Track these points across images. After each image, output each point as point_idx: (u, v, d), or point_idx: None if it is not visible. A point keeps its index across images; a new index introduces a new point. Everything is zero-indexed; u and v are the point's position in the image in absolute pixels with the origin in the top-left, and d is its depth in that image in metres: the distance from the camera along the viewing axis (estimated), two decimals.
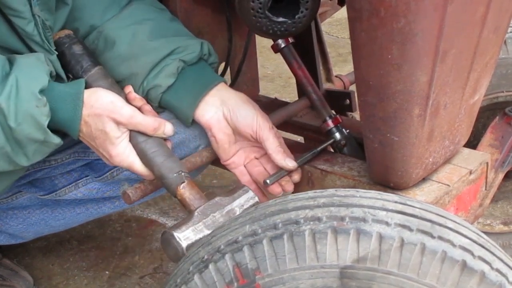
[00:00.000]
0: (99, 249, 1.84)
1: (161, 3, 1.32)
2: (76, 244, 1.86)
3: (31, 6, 1.04)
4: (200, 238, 0.97)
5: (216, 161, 1.25)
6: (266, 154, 1.20)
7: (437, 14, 0.86)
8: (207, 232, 0.98)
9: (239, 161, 1.22)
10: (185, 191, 1.06)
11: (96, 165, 1.30)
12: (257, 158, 1.22)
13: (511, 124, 1.35)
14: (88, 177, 1.29)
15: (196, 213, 1.01)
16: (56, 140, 1.05)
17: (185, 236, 0.97)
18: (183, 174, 1.08)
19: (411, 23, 0.85)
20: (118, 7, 1.23)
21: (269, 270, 0.77)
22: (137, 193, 1.12)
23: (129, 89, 1.15)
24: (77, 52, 1.15)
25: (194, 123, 1.21)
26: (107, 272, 1.74)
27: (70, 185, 1.29)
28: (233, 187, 1.10)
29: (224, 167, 1.26)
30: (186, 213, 1.07)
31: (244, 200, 1.05)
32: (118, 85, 1.16)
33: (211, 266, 0.81)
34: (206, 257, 0.83)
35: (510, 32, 1.46)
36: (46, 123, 1.01)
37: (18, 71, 1.00)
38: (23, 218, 1.36)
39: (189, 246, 0.97)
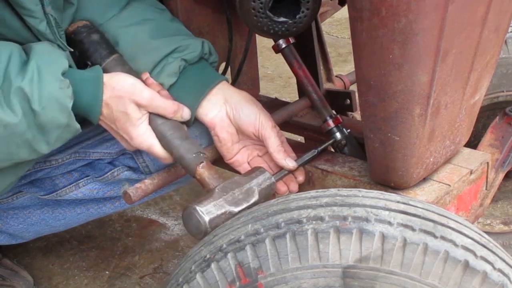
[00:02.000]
0: (99, 249, 1.84)
1: (162, 3, 1.32)
2: (76, 244, 1.86)
3: (43, 5, 1.05)
4: (222, 213, 1.00)
5: (217, 161, 1.25)
6: (268, 152, 1.20)
7: (438, 13, 0.86)
8: (228, 207, 1.01)
9: (243, 159, 1.22)
10: (204, 170, 1.09)
11: (97, 165, 1.30)
12: (260, 156, 1.23)
13: (511, 124, 1.35)
14: (88, 177, 1.29)
15: (216, 190, 1.04)
16: (77, 125, 1.06)
17: (207, 210, 0.99)
18: (201, 154, 1.10)
19: (412, 22, 0.85)
20: (118, 7, 1.24)
21: (272, 270, 0.78)
22: (138, 193, 1.12)
23: (146, 75, 1.17)
24: (95, 40, 1.18)
25: (195, 123, 1.21)
26: (107, 272, 1.74)
27: (71, 185, 1.29)
28: (250, 169, 1.14)
29: (225, 166, 1.26)
30: (204, 192, 1.09)
31: (262, 180, 1.08)
32: (134, 71, 1.17)
33: (213, 265, 0.81)
34: (208, 256, 0.83)
35: (511, 32, 1.46)
36: (70, 104, 1.02)
37: (37, 56, 1.01)
38: (24, 218, 1.36)
39: (212, 220, 0.98)
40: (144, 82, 1.14)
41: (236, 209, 1.01)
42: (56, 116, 1.01)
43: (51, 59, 1.02)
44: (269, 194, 1.10)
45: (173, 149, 1.11)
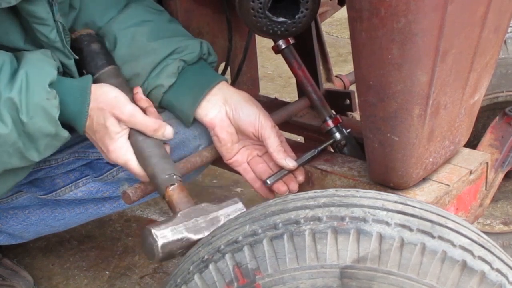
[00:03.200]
0: (99, 249, 1.84)
1: (161, 4, 1.32)
2: (76, 244, 1.86)
3: (53, 13, 1.06)
4: (178, 239, 0.97)
5: (216, 161, 1.25)
6: (268, 152, 1.20)
7: (437, 14, 0.86)
8: (185, 234, 0.98)
9: (242, 159, 1.22)
10: (174, 193, 1.07)
11: (96, 165, 1.30)
12: (259, 156, 1.23)
13: (511, 124, 1.35)
14: (88, 177, 1.29)
15: (179, 215, 1.01)
16: (65, 133, 1.06)
17: (162, 234, 0.97)
18: (174, 176, 1.08)
19: (411, 23, 0.85)
20: (116, 9, 1.24)
21: (269, 270, 0.77)
22: (137, 193, 1.12)
23: (137, 90, 1.17)
24: (94, 50, 1.18)
25: (194, 123, 1.21)
26: (107, 272, 1.74)
27: (70, 185, 1.29)
28: (224, 197, 1.10)
29: (224, 166, 1.26)
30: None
31: (231, 210, 1.03)
32: (128, 85, 1.17)
33: (211, 266, 0.81)
34: (206, 257, 0.83)
35: (510, 32, 1.46)
36: (57, 115, 1.03)
37: (27, 66, 1.02)
38: (23, 218, 1.36)
39: (165, 245, 0.96)
40: (133, 96, 1.14)
41: (195, 237, 0.98)
42: (43, 126, 1.02)
43: (40, 69, 1.03)
44: None
45: (148, 167, 1.09)
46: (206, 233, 0.98)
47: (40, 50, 1.09)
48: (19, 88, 0.99)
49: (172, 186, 1.07)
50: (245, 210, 1.04)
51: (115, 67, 1.18)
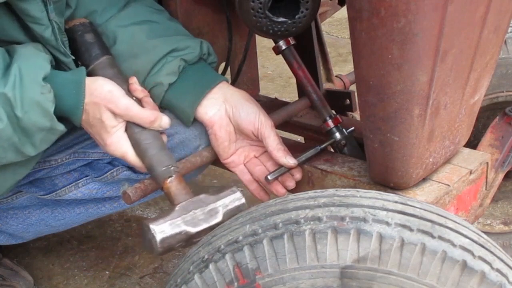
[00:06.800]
0: (99, 249, 1.84)
1: (162, 3, 1.32)
2: (76, 244, 1.86)
3: (47, 12, 1.06)
4: (176, 233, 0.97)
5: (216, 161, 1.25)
6: (265, 152, 1.20)
7: (437, 14, 0.86)
8: (184, 227, 0.98)
9: (239, 160, 1.22)
10: (172, 185, 1.06)
11: (96, 165, 1.29)
12: (256, 157, 1.23)
13: (511, 124, 1.35)
14: (88, 177, 1.29)
15: (177, 208, 1.01)
16: (61, 127, 1.06)
17: (160, 229, 0.97)
18: (172, 168, 1.08)
19: (411, 23, 0.85)
20: (116, 8, 1.24)
21: (270, 270, 0.77)
22: (137, 193, 1.12)
23: (132, 80, 1.16)
24: (88, 40, 1.17)
25: (194, 123, 1.21)
26: (107, 272, 1.74)
27: (70, 185, 1.29)
28: (221, 186, 1.10)
29: (224, 166, 1.26)
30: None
31: (229, 201, 1.04)
32: (123, 75, 1.16)
33: (211, 266, 0.81)
34: (206, 257, 0.83)
35: (510, 32, 1.46)
36: (52, 109, 1.03)
37: (20, 60, 1.02)
38: (23, 218, 1.36)
39: (163, 240, 0.97)
40: (128, 87, 1.13)
41: (194, 230, 0.98)
42: (38, 120, 1.02)
43: (33, 64, 1.03)
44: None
45: (145, 159, 1.09)
46: (205, 225, 0.98)
47: (32, 43, 1.08)
48: (12, 83, 0.99)
49: (170, 178, 1.07)
50: (243, 200, 1.04)
51: (109, 57, 1.17)
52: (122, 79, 1.14)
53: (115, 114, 1.08)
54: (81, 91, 1.06)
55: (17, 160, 1.07)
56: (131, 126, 1.10)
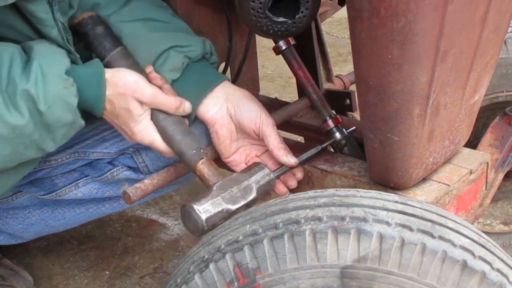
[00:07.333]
0: (99, 249, 1.84)
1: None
2: (76, 244, 1.86)
3: (53, 12, 1.06)
4: (219, 211, 1.00)
5: (217, 161, 1.25)
6: (266, 151, 1.20)
7: (437, 14, 0.86)
8: (225, 205, 1.02)
9: (240, 159, 1.22)
10: (204, 167, 1.10)
11: (96, 165, 1.30)
12: (257, 156, 1.23)
13: (511, 124, 1.35)
14: (88, 177, 1.29)
15: (214, 188, 1.04)
16: (82, 122, 1.08)
17: (204, 209, 1.00)
18: (201, 150, 1.11)
19: (411, 22, 0.85)
20: (119, 4, 1.24)
21: (270, 270, 0.78)
22: (137, 193, 1.12)
23: (150, 68, 1.17)
24: (100, 33, 1.18)
25: (195, 123, 1.21)
26: (107, 272, 1.74)
27: (70, 185, 1.29)
28: (249, 165, 1.14)
29: (225, 165, 1.26)
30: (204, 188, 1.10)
31: (260, 176, 1.09)
32: (138, 65, 1.18)
33: (211, 266, 0.81)
34: (206, 256, 0.83)
35: (510, 32, 1.46)
36: (76, 102, 1.04)
37: (39, 57, 1.02)
38: (23, 218, 1.36)
39: (209, 219, 1.00)
40: (147, 75, 1.15)
41: (234, 207, 1.02)
42: (62, 115, 1.03)
43: (53, 59, 1.04)
44: (268, 190, 1.11)
45: (174, 145, 1.12)
46: (243, 202, 1.03)
47: (45, 40, 1.09)
48: (34, 79, 0.99)
49: (202, 160, 1.11)
50: (272, 175, 1.10)
51: (122, 47, 1.18)
52: (139, 69, 1.16)
53: (141, 103, 1.10)
54: (102, 84, 1.07)
55: (37, 156, 1.09)
56: (156, 114, 1.12)
